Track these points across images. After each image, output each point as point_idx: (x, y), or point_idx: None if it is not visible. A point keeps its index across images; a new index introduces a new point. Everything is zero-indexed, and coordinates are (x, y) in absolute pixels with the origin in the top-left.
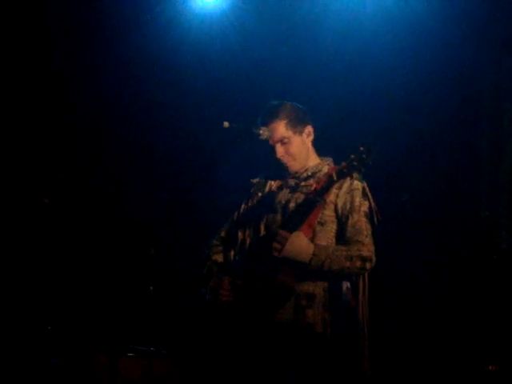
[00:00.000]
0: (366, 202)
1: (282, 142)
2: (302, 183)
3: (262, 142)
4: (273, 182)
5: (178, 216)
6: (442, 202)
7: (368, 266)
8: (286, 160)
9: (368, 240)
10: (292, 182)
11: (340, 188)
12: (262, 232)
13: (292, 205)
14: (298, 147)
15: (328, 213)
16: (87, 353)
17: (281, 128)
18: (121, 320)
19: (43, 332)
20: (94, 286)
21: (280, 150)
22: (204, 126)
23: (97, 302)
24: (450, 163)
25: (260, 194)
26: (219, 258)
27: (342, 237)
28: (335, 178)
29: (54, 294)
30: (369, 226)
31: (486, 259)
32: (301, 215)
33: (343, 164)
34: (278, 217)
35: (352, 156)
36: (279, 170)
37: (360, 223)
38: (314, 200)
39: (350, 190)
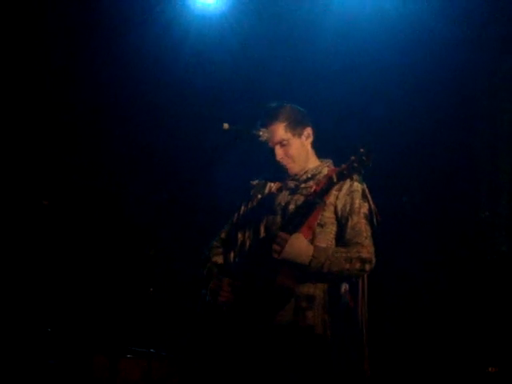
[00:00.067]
0: (366, 204)
1: (282, 144)
2: (302, 185)
3: (261, 144)
4: (272, 184)
5: (178, 217)
6: (441, 202)
7: (367, 267)
8: (285, 162)
9: (367, 242)
10: (292, 184)
11: (340, 190)
12: (262, 234)
13: (292, 207)
14: (297, 149)
15: (328, 214)
16: (87, 354)
17: (280, 130)
18: (120, 321)
19: (43, 334)
20: (93, 287)
21: (279, 152)
22: (203, 127)
23: (96, 303)
24: (449, 164)
25: (260, 196)
26: (219, 259)
27: (341, 238)
28: (335, 180)
29: (54, 295)
30: (368, 228)
31: (486, 260)
32: (300, 217)
33: (343, 166)
34: (278, 219)
35: (352, 158)
36: (279, 171)
37: (360, 225)
38: (314, 202)
39: (350, 192)
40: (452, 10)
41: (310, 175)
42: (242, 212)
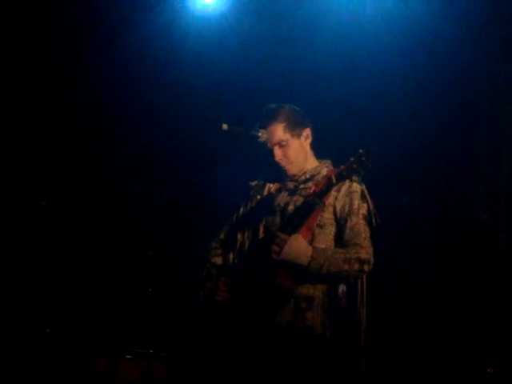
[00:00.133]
0: (365, 205)
1: (281, 144)
2: (301, 186)
3: (260, 145)
4: (271, 185)
5: (178, 218)
6: (441, 204)
7: (366, 268)
8: (284, 163)
9: (366, 242)
10: (291, 185)
11: (339, 190)
12: (261, 234)
13: (291, 207)
14: (296, 150)
15: (327, 215)
16: (86, 355)
17: (279, 131)
18: (120, 322)
19: (42, 335)
20: (93, 288)
21: (278, 153)
22: (203, 128)
23: (96, 304)
24: (448, 165)
25: (259, 197)
26: (218, 260)
27: (340, 239)
28: (334, 181)
29: (53, 296)
30: (367, 229)
31: (485, 261)
32: (300, 218)
33: (342, 167)
34: (277, 219)
35: (351, 159)
36: (278, 172)
37: (358, 226)
38: (313, 203)
39: (349, 193)
40: (453, 11)
41: (308, 176)
42: (241, 213)
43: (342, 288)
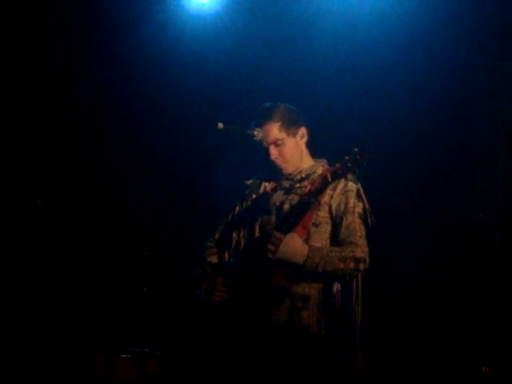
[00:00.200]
0: (361, 204)
1: (276, 143)
2: (297, 185)
3: (256, 144)
4: (267, 184)
5: (177, 217)
6: (437, 202)
7: (362, 267)
8: (279, 162)
9: (362, 241)
10: (286, 184)
11: (334, 189)
12: (257, 233)
13: (286, 206)
14: (291, 149)
15: (322, 214)
16: (82, 354)
17: (274, 130)
18: (115, 321)
19: (38, 333)
20: (88, 287)
21: (274, 152)
22: (200, 127)
23: (91, 303)
24: (445, 164)
25: (254, 196)
26: (214, 259)
27: (335, 238)
28: (330, 180)
29: (49, 295)
30: (363, 228)
31: (482, 260)
32: (295, 217)
33: (337, 165)
34: (273, 218)
35: (346, 157)
36: (273, 171)
37: (354, 224)
38: (309, 201)
39: (345, 192)
40: (450, 9)
41: (304, 175)
42: (236, 212)
43: (336, 287)
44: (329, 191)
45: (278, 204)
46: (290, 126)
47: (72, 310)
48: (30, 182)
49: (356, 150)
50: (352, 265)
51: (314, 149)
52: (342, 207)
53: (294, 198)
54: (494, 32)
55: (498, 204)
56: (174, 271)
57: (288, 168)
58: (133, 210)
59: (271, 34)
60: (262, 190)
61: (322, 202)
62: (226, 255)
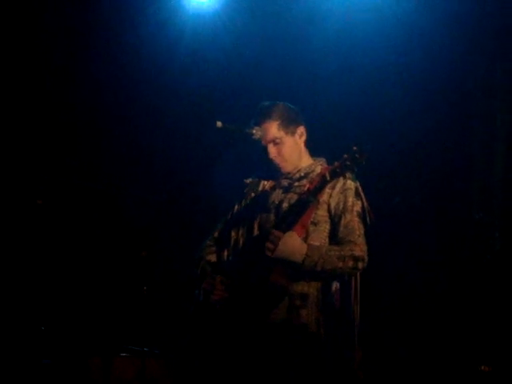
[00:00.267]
0: (359, 202)
1: (275, 142)
2: (295, 183)
3: (255, 142)
4: (266, 182)
5: (175, 217)
6: (435, 202)
7: (360, 265)
8: (278, 160)
9: (360, 240)
10: (285, 183)
11: (333, 188)
12: (256, 232)
13: (285, 205)
14: (290, 148)
15: (321, 213)
16: (81, 353)
17: (273, 129)
18: (115, 320)
19: (37, 332)
20: (88, 286)
21: (272, 151)
22: (199, 125)
23: (91, 302)
24: (443, 163)
25: (253, 194)
26: (213, 258)
27: (334, 237)
28: (328, 178)
29: (48, 294)
30: (361, 226)
31: (480, 260)
32: (294, 215)
33: (336, 164)
34: (272, 217)
35: (345, 156)
36: (272, 170)
37: (353, 223)
38: (307, 200)
39: (343, 190)
40: (449, 9)
41: (303, 174)
42: (235, 210)
43: (335, 285)
44: (327, 190)
45: (276, 202)
46: (289, 124)
47: (71, 309)
48: (30, 182)
49: (355, 148)
50: (351, 263)
51: (313, 147)
52: (341, 206)
53: (293, 197)
54: (492, 32)
55: (497, 204)
56: (173, 271)
57: (287, 167)
58: (131, 210)
59: (270, 32)
60: (260, 189)
61: (321, 200)
62: (225, 254)
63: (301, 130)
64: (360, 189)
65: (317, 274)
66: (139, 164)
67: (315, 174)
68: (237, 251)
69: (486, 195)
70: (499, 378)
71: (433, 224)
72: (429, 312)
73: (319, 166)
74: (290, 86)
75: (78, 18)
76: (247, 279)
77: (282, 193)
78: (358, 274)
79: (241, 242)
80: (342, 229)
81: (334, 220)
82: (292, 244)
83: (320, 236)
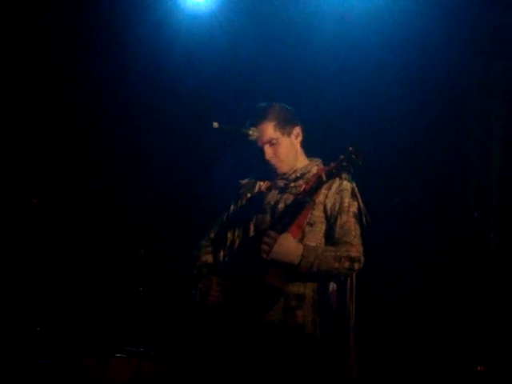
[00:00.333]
0: (355, 203)
1: (271, 143)
2: (291, 184)
3: (251, 143)
4: (262, 183)
5: (173, 217)
6: (430, 202)
7: (356, 266)
8: (274, 161)
9: (356, 240)
10: (281, 183)
11: (329, 188)
12: (251, 233)
13: (281, 206)
14: (286, 148)
15: (317, 213)
16: (77, 353)
17: (269, 129)
18: (110, 321)
19: (32, 333)
20: (83, 287)
21: (269, 152)
22: (195, 126)
23: (86, 302)
24: (439, 163)
25: (249, 195)
26: (209, 258)
27: (330, 237)
28: (324, 179)
29: (44, 294)
30: (357, 227)
31: (477, 260)
32: (290, 216)
33: (332, 164)
34: (267, 217)
35: (341, 156)
36: (268, 170)
37: (349, 224)
38: (303, 201)
39: (339, 191)
40: (446, 9)
41: (299, 174)
42: (231, 211)
43: (332, 286)
44: (324, 191)
45: (272, 203)
46: (285, 125)
47: (67, 309)
48: (26, 182)
49: (351, 149)
50: (347, 264)
51: (310, 148)
52: (337, 206)
53: (289, 198)
54: (489, 31)
55: (493, 204)
56: (171, 271)
57: (283, 167)
58: (129, 210)
59: (267, 33)
60: (256, 190)
61: (317, 201)
62: (221, 254)
63: (297, 130)
64: (356, 189)
65: (313, 274)
66: (138, 164)
67: (311, 174)
68: (233, 252)
69: (482, 195)
70: (495, 378)
71: (430, 223)
72: (424, 312)
73: (315, 167)
74: (286, 87)
75: (78, 17)
76: (243, 280)
77: (278, 193)
78: (354, 274)
79: (237, 242)
80: (338, 229)
81: (330, 221)
82: (287, 245)
83: (316, 237)
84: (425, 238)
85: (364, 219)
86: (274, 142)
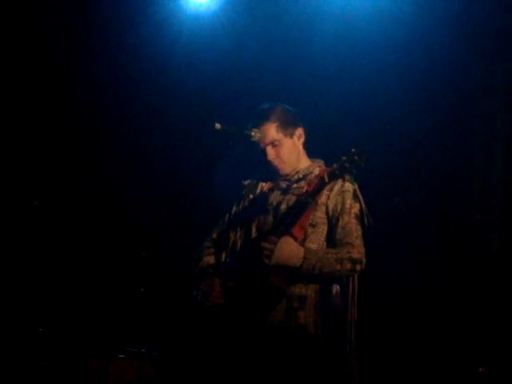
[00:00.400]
0: (357, 204)
1: (273, 144)
2: (294, 185)
3: (253, 144)
4: (264, 184)
5: (175, 218)
6: (434, 203)
7: (358, 267)
8: (276, 162)
9: (358, 242)
10: (283, 184)
11: (331, 190)
12: (254, 234)
13: (283, 207)
14: (288, 149)
15: (319, 214)
16: (79, 354)
17: (272, 131)
18: (112, 322)
19: (34, 334)
20: (85, 288)
21: (271, 153)
22: (197, 127)
23: (89, 303)
24: (442, 164)
25: (251, 196)
26: (211, 259)
27: (332, 238)
28: (327, 180)
29: (47, 295)
30: (359, 228)
31: (480, 261)
32: (292, 217)
33: (335, 166)
34: (270, 218)
35: (344, 158)
36: (270, 171)
37: (350, 225)
38: (306, 202)
39: (341, 192)
40: (449, 9)
41: (301, 175)
42: (233, 212)
43: (335, 288)
44: (326, 192)
45: (275, 204)
46: (288, 126)
47: (69, 310)
48: (27, 183)
49: (353, 150)
50: (348, 266)
51: (310, 148)
52: (339, 208)
53: (291, 199)
54: (492, 32)
55: (496, 205)
56: (172, 272)
57: (285, 168)
58: (131, 211)
59: (269, 34)
60: (259, 191)
61: (319, 202)
62: (223, 255)
63: (299, 131)
64: (358, 191)
65: (315, 276)
66: (139, 165)
67: (313, 175)
68: (235, 253)
69: (485, 196)
70: (496, 380)
71: (433, 224)
72: (426, 313)
73: (317, 168)
74: (288, 88)
75: (79, 18)
76: (245, 281)
77: (281, 194)
78: (356, 276)
79: (239, 243)
80: (339, 230)
81: (332, 222)
82: (288, 249)
83: (318, 238)
84: (426, 239)
85: (366, 220)
86: (276, 143)
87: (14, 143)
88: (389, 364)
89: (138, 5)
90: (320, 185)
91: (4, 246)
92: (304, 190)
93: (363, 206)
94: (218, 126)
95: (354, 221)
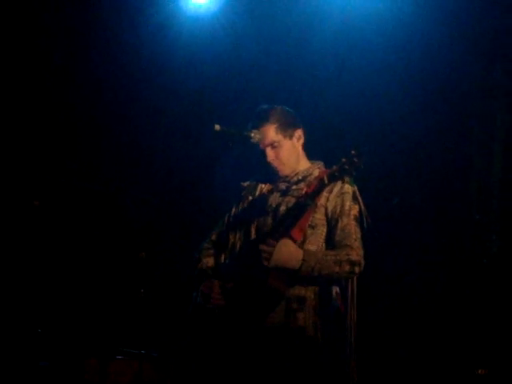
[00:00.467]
0: (356, 206)
1: (273, 145)
2: (293, 187)
3: (253, 146)
4: (263, 186)
5: (174, 219)
6: (432, 204)
7: (357, 269)
8: (276, 164)
9: (357, 244)
10: (283, 186)
11: (331, 191)
12: (253, 235)
13: (283, 208)
14: (288, 151)
15: (319, 216)
16: (78, 355)
17: (271, 132)
18: (111, 323)
19: (33, 335)
20: (84, 288)
21: (270, 154)
22: (197, 128)
23: (88, 304)
24: (440, 165)
25: (251, 198)
26: (210, 261)
27: (331, 240)
28: (326, 182)
29: (46, 296)
30: (358, 230)
31: (477, 263)
32: (291, 219)
33: (334, 167)
34: (269, 220)
35: (343, 159)
36: (270, 173)
37: (349, 227)
38: (305, 203)
39: (341, 194)
40: (447, 9)
41: (300, 177)
42: (232, 213)
43: (335, 290)
44: (325, 193)
45: (274, 206)
46: (287, 128)
47: (69, 311)
48: (28, 183)
49: (353, 152)
50: (347, 268)
51: (310, 149)
52: (338, 209)
53: (291, 200)
54: (491, 32)
55: (494, 206)
56: (172, 273)
57: (284, 170)
58: (131, 212)
59: (268, 34)
60: (258, 192)
61: (319, 204)
62: (222, 257)
63: (298, 133)
64: (357, 193)
65: (314, 278)
66: (139, 166)
67: (313, 177)
68: (234, 255)
69: (484, 197)
70: (496, 381)
71: (432, 224)
72: (425, 315)
73: (317, 170)
74: (288, 89)
75: (79, 18)
76: (244, 283)
77: (280, 196)
78: (355, 277)
79: (238, 245)
80: (338, 232)
81: (331, 223)
82: (287, 251)
83: (317, 239)
84: (425, 240)
85: (365, 222)
86: (275, 144)
87: (14, 143)
88: (388, 365)
89: (138, 5)
90: (319, 186)
91: (4, 247)
92: (303, 192)
93: (362, 207)
94: (217, 127)
95: (353, 223)
